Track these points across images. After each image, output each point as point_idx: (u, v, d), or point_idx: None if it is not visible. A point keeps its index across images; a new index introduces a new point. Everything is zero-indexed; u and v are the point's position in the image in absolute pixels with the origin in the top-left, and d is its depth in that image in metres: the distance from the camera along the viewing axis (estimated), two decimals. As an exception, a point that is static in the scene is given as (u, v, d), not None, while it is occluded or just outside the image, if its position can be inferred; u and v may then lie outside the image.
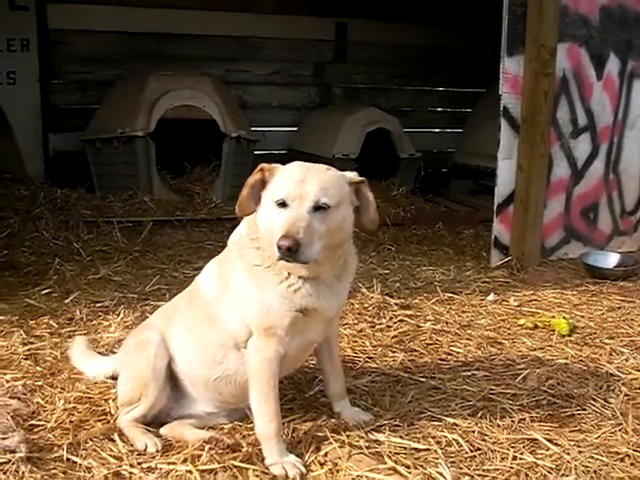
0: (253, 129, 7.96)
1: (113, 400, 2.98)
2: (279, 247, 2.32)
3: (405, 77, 9.76)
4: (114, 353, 3.40)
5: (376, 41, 9.28)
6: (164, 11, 8.30)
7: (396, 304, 4.42)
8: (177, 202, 7.06)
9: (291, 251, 2.31)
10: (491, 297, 4.72)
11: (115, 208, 6.77)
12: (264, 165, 2.56)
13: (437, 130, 10.10)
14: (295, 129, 9.11)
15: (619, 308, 4.61)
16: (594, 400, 3.17)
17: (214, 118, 7.25)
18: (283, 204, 2.42)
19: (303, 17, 9.02)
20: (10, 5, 7.65)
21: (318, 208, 2.41)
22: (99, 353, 3.42)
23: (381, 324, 4.11)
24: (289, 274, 2.54)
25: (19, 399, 2.97)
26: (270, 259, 2.53)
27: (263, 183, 2.54)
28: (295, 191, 2.41)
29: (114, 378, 3.09)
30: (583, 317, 4.41)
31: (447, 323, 4.21)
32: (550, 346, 3.89)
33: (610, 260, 5.51)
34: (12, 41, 7.75)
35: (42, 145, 8.02)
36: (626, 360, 3.71)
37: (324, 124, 8.44)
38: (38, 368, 3.32)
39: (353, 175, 2.60)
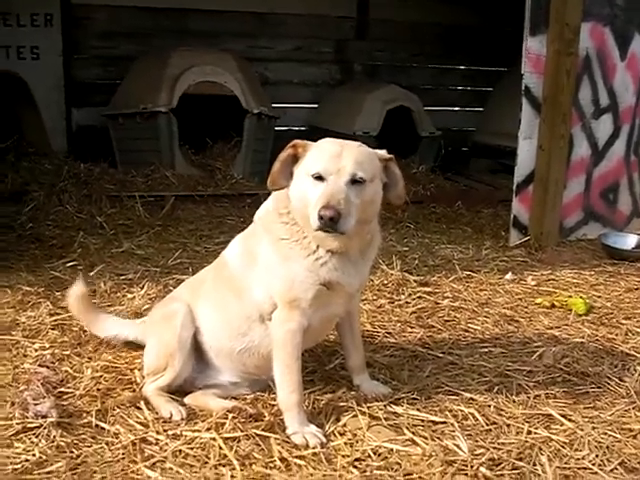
0: (274, 106, 7.96)
1: (139, 369, 3.07)
2: (321, 217, 2.39)
3: (426, 55, 9.68)
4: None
5: (397, 19, 9.21)
6: (187, -13, 8.29)
7: (415, 281, 4.46)
8: (199, 177, 7.10)
9: (333, 221, 2.38)
10: (509, 276, 4.75)
11: (137, 183, 6.83)
12: (297, 141, 2.61)
13: (458, 109, 10.04)
14: (316, 106, 9.10)
15: (636, 289, 4.63)
16: (609, 379, 3.21)
17: (236, 94, 7.27)
18: (320, 178, 2.48)
19: (325, -7, 8.98)
20: (34, -20, 7.69)
21: (354, 182, 2.48)
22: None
23: (400, 300, 4.17)
24: (317, 247, 2.60)
25: (48, 367, 3.06)
26: (298, 233, 2.60)
27: (294, 159, 2.59)
28: (332, 165, 2.47)
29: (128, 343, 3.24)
30: (600, 297, 4.44)
31: (465, 300, 4.26)
32: (566, 325, 3.93)
33: (629, 241, 5.51)
34: (36, 16, 7.79)
35: (65, 120, 8.08)
36: (642, 340, 3.75)
37: (345, 101, 8.43)
38: (65, 338, 3.40)
39: (383, 152, 2.67)
